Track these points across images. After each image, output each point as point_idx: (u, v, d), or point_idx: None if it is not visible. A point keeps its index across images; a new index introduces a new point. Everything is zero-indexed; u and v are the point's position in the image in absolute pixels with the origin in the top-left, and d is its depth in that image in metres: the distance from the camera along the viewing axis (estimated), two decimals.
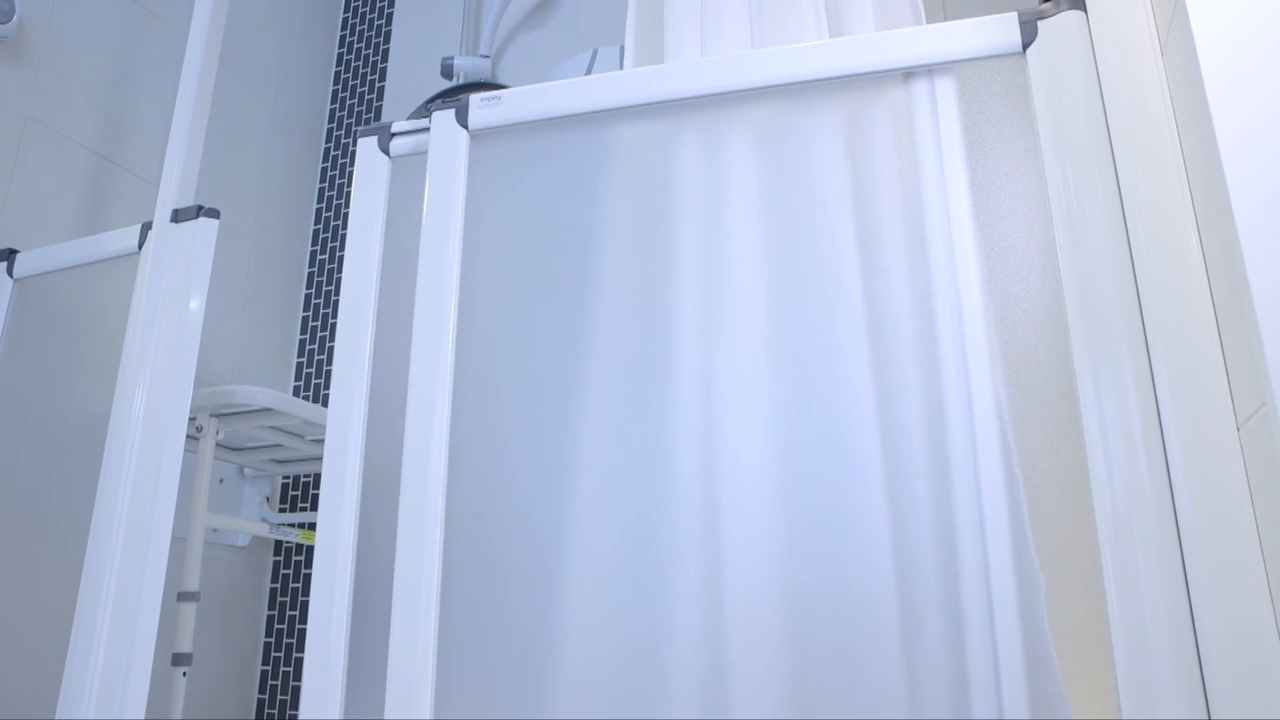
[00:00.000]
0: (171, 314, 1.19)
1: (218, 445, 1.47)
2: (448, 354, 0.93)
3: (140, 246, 1.27)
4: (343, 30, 2.25)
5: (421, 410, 0.92)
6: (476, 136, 1.01)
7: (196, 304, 1.20)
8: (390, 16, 2.19)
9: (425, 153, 1.03)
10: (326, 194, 2.10)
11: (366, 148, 1.05)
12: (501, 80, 2.00)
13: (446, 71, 1.95)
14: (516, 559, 0.88)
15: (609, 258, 0.94)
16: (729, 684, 0.80)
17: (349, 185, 2.08)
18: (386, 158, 1.04)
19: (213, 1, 1.34)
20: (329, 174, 2.12)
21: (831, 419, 0.85)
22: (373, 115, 2.12)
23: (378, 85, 2.14)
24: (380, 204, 1.03)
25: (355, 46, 2.21)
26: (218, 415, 1.38)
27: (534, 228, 0.97)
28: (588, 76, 0.98)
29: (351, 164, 2.10)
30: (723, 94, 0.95)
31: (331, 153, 2.14)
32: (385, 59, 2.16)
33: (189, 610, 1.27)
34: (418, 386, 0.93)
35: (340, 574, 0.91)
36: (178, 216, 1.25)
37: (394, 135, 1.04)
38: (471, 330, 0.95)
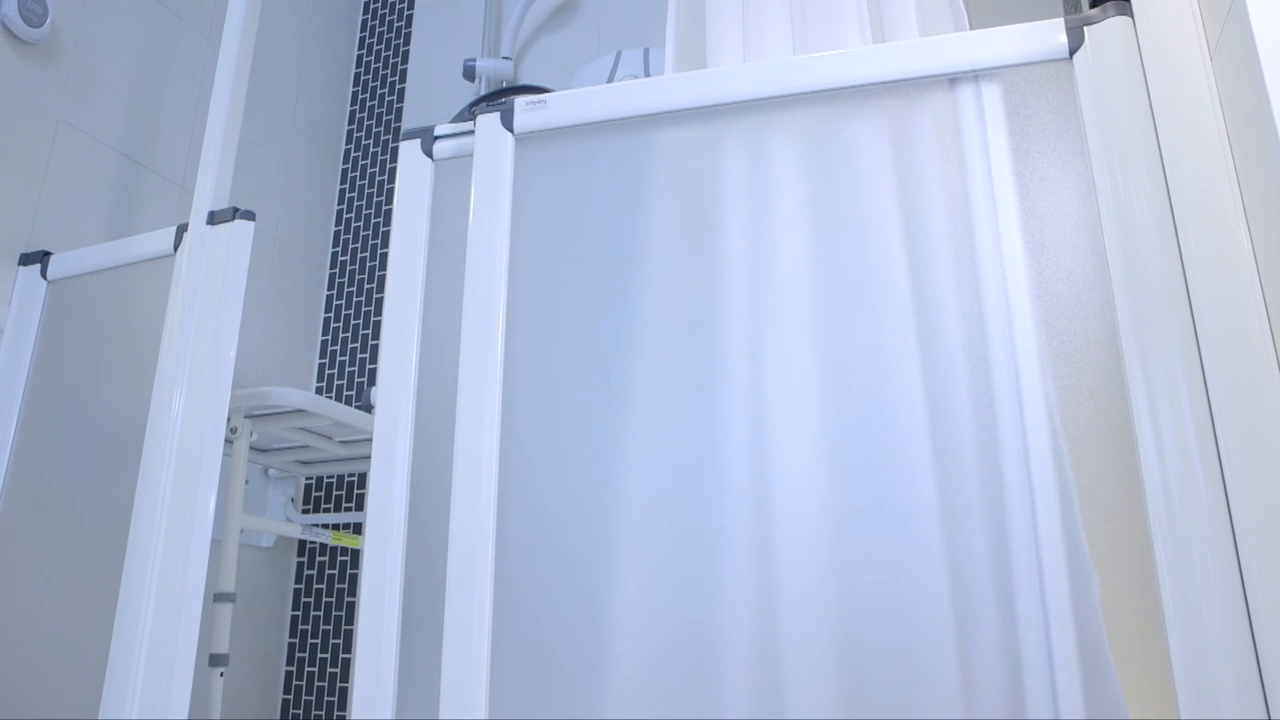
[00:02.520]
0: (208, 316, 1.20)
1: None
2: (497, 355, 0.94)
3: (175, 248, 1.28)
4: (362, 32, 2.25)
5: (472, 412, 0.92)
6: (521, 140, 1.01)
7: (233, 306, 1.20)
8: (410, 18, 2.20)
9: (468, 156, 1.04)
10: (347, 195, 2.10)
11: (409, 150, 1.06)
12: (523, 81, 2.00)
13: (468, 73, 1.96)
14: (568, 559, 0.88)
15: (655, 260, 0.95)
16: (782, 683, 0.81)
17: (370, 186, 2.08)
18: (430, 161, 1.05)
19: (245, 6, 1.34)
20: (349, 175, 2.12)
21: (881, 420, 0.86)
22: (393, 117, 2.12)
23: (398, 87, 2.15)
24: (424, 207, 1.03)
25: (375, 48, 2.21)
26: (250, 417, 1.39)
27: (580, 231, 0.98)
28: (635, 81, 0.98)
29: (373, 165, 2.10)
30: (769, 99, 0.95)
31: (352, 154, 2.14)
32: (405, 60, 2.16)
33: (225, 611, 1.28)
34: (468, 387, 0.93)
35: (390, 574, 0.92)
36: (213, 218, 1.26)
37: (437, 138, 1.05)
38: (519, 332, 0.96)
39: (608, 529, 0.89)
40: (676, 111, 0.98)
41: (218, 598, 1.28)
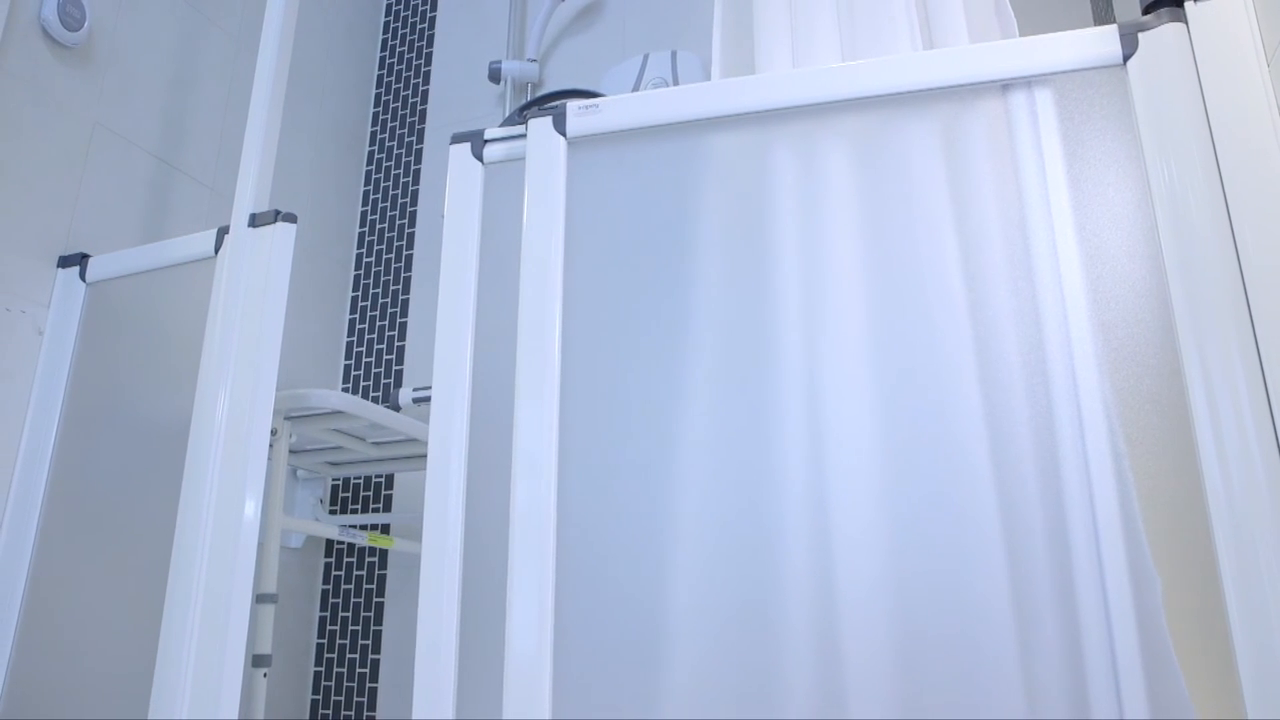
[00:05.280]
0: (251, 319, 1.20)
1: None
2: (554, 356, 0.95)
3: (216, 251, 1.28)
4: (385, 34, 2.26)
5: (531, 413, 0.93)
6: (574, 144, 1.02)
7: (276, 308, 1.21)
8: (433, 20, 2.20)
9: (519, 160, 1.04)
10: (371, 197, 2.11)
11: (459, 154, 1.06)
12: (548, 83, 2.01)
13: (494, 75, 1.97)
14: (627, 559, 0.89)
15: (709, 262, 0.96)
16: (844, 682, 0.82)
17: (394, 188, 2.09)
18: (480, 164, 1.05)
19: (282, 11, 1.35)
20: (373, 177, 2.13)
21: (939, 423, 0.86)
22: (416, 119, 2.13)
23: (421, 89, 2.15)
24: (475, 210, 1.04)
25: (398, 50, 2.22)
26: (289, 418, 1.39)
27: (633, 234, 0.99)
28: (688, 86, 0.99)
29: (397, 166, 2.11)
30: (820, 104, 0.96)
31: (375, 155, 2.15)
32: (429, 62, 2.17)
33: (267, 612, 1.29)
34: (525, 388, 0.94)
35: (448, 574, 0.92)
36: (255, 221, 1.26)
37: (487, 142, 1.06)
38: (574, 333, 0.97)
39: (667, 527, 0.89)
40: (729, 116, 0.98)
41: (260, 599, 1.29)
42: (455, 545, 0.93)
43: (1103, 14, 1.59)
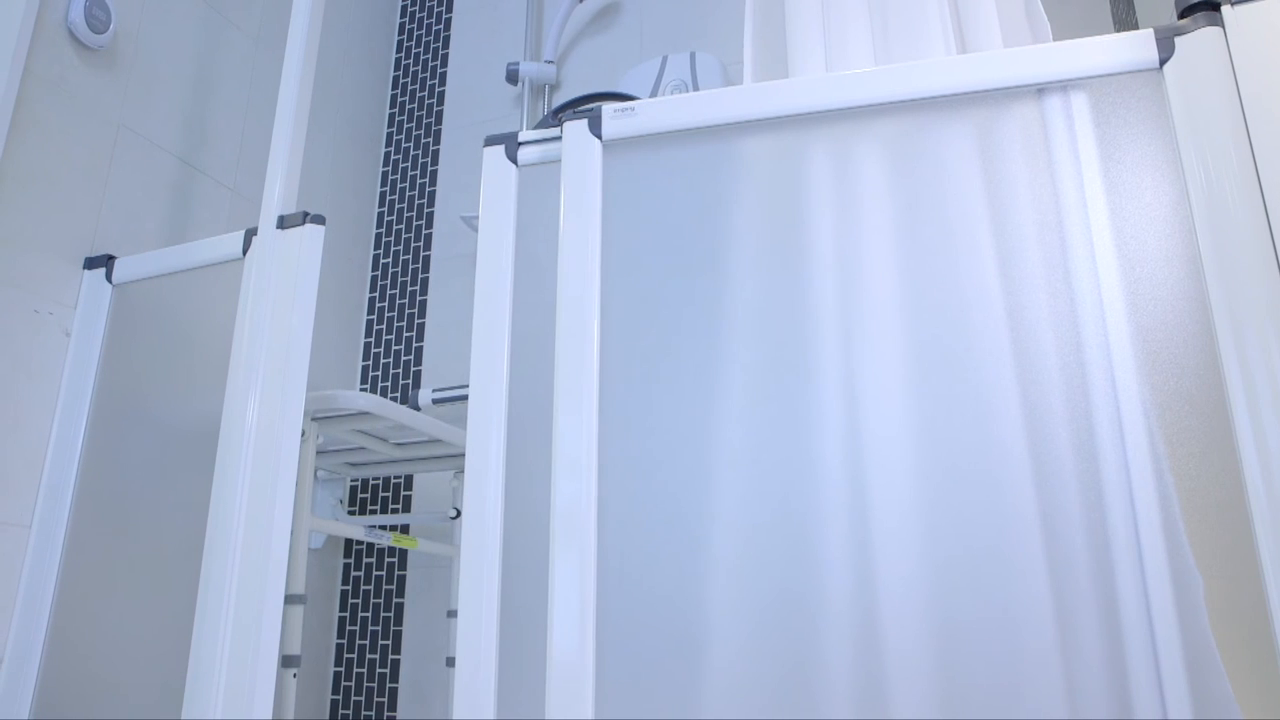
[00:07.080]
0: (280, 320, 1.21)
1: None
2: (592, 358, 0.95)
3: (244, 253, 1.29)
4: (400, 35, 2.26)
5: (570, 414, 0.94)
6: (609, 146, 1.03)
7: (306, 310, 1.21)
8: (449, 21, 2.21)
9: (553, 162, 1.05)
10: (388, 198, 2.11)
11: (493, 156, 1.07)
12: (565, 85, 2.02)
13: (511, 77, 1.97)
14: (668, 557, 0.90)
15: (745, 265, 0.96)
16: (884, 678, 0.82)
17: (411, 189, 2.09)
18: (514, 167, 1.06)
19: (309, 12, 1.35)
20: (390, 178, 2.13)
21: (977, 425, 0.87)
22: (433, 120, 2.13)
23: (437, 90, 2.15)
24: (510, 212, 1.04)
25: (414, 51, 2.22)
26: (316, 419, 1.40)
27: (669, 236, 0.99)
28: (724, 89, 0.99)
29: (414, 168, 2.11)
30: (856, 108, 0.97)
31: (392, 156, 2.15)
32: (444, 63, 2.17)
33: (296, 613, 1.29)
34: (564, 390, 0.94)
35: (488, 574, 0.93)
36: (283, 223, 1.27)
37: (522, 144, 1.06)
38: (611, 335, 0.97)
39: (706, 527, 0.90)
40: (764, 120, 0.99)
41: (289, 599, 1.29)
42: (494, 546, 0.94)
43: (1123, 14, 1.59)
